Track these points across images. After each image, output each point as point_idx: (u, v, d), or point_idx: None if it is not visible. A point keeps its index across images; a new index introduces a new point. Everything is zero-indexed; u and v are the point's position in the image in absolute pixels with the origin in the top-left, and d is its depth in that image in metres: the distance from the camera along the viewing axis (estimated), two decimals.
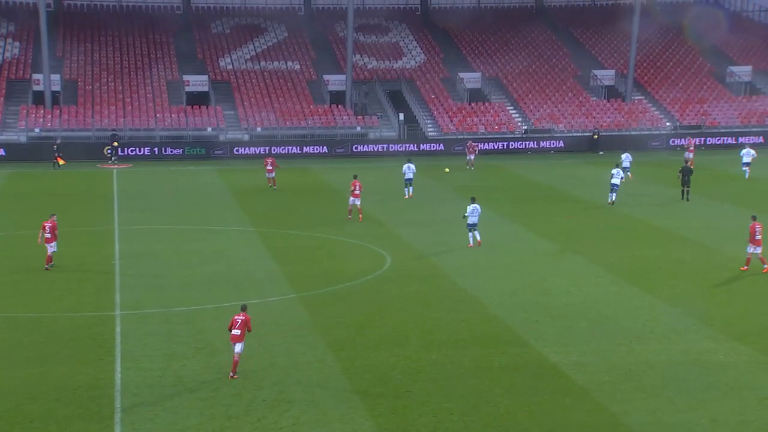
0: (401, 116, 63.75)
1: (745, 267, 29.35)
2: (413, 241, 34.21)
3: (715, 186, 45.60)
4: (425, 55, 72.40)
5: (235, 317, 20.49)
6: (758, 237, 28.96)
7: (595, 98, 68.56)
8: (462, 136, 63.62)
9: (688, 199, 42.14)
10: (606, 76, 69.88)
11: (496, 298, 26.23)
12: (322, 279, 28.39)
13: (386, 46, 73.32)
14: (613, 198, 41.15)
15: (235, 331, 20.25)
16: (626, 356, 21.39)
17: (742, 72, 70.15)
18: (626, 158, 48.45)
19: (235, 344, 20.27)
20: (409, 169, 44.23)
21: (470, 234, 32.91)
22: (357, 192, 37.71)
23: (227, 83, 67.40)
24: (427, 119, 65.18)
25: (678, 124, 65.39)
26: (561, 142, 63.07)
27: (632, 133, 64.10)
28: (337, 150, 61.52)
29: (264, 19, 74.80)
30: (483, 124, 64.58)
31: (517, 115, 66.53)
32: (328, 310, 25.11)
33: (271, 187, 46.87)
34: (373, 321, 24.24)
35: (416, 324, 23.95)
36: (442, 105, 66.57)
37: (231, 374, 20.18)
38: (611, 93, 68.87)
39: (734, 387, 19.56)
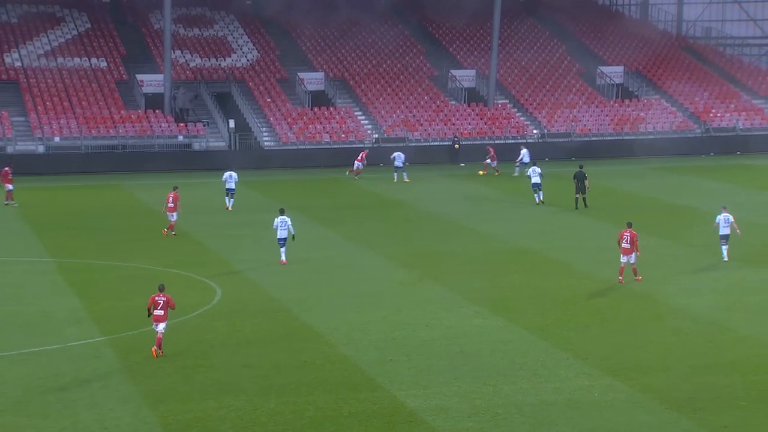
0: (231, 123, 63.35)
1: (621, 279, 31.75)
2: (246, 269, 34.03)
3: (588, 201, 47.51)
4: (258, 52, 72.31)
5: (156, 297, 24.36)
6: (625, 245, 31.47)
7: (454, 102, 70.34)
8: (304, 146, 63.84)
9: (586, 206, 45.36)
10: (465, 76, 71.84)
11: (344, 335, 26.37)
12: (138, 317, 27.68)
13: (212, 40, 72.78)
14: (541, 197, 46.89)
15: (158, 312, 24.21)
16: (492, 398, 21.92)
17: (613, 73, 73.68)
18: (398, 157, 53.06)
19: (158, 324, 24.21)
20: (231, 178, 45.57)
21: (282, 250, 34.33)
22: (171, 205, 38.93)
23: (15, 83, 65.11)
24: (263, 127, 65.06)
25: (546, 131, 67.96)
26: (416, 152, 64.19)
27: (496, 141, 66.04)
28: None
29: (61, 6, 72.77)
30: (328, 132, 65.02)
31: (366, 122, 67.36)
32: (145, 355, 24.61)
33: (8, 203, 46.61)
34: (200, 366, 23.91)
35: (251, 368, 23.78)
36: (279, 110, 66.61)
37: (158, 351, 24.13)
38: (472, 96, 70.83)
39: (610, 429, 20.35)
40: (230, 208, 45.40)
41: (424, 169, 59.88)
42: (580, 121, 69.11)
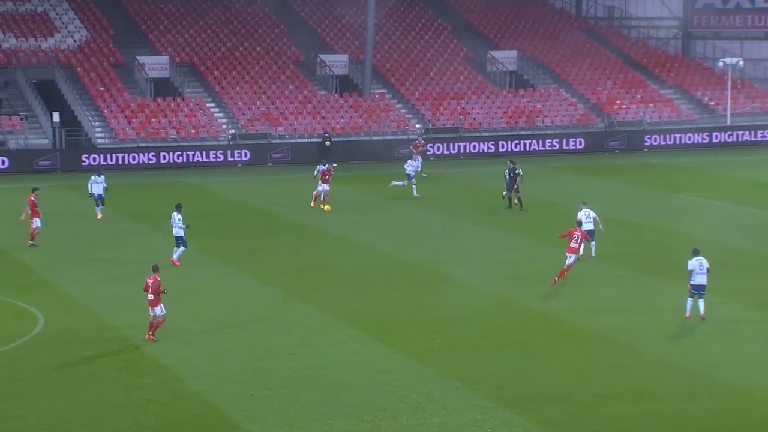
0: (56, 117, 62.25)
1: (555, 280, 33.69)
2: (75, 291, 33.58)
3: (478, 206, 48.19)
4: (88, 32, 71.21)
5: (148, 279, 27.73)
6: (573, 244, 33.43)
7: (324, 92, 70.54)
8: (146, 144, 63.03)
9: (522, 207, 47.12)
10: (337, 62, 72.13)
11: (195, 367, 26.17)
12: None
13: (29, 17, 71.40)
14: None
15: (149, 296, 27.48)
16: None
17: (506, 58, 75.05)
18: (96, 182, 46.22)
19: (153, 308, 27.58)
20: (95, 183, 46.01)
21: (175, 249, 36.78)
22: (29, 211, 40.05)
23: None
24: (95, 120, 64.08)
25: (430, 126, 68.73)
26: (281, 151, 64.16)
27: (374, 138, 66.49)
28: None
29: None
30: (175, 128, 64.38)
31: (221, 115, 66.99)
32: None
33: None
34: (18, 409, 23.41)
35: (81, 409, 23.41)
36: (115, 101, 65.70)
37: (151, 336, 27.77)
38: (344, 85, 71.17)
39: None
40: (99, 216, 45.64)
41: (289, 170, 59.77)
42: (469, 113, 70.14)
